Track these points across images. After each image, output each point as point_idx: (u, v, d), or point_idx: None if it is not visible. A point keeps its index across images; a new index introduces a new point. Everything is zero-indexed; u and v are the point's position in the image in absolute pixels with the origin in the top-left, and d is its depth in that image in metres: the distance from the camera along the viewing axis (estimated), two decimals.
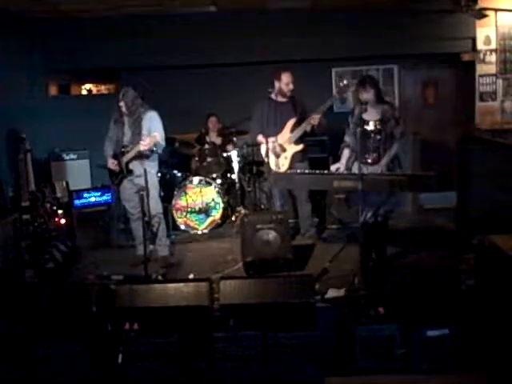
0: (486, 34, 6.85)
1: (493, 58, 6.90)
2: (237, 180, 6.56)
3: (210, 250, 5.69)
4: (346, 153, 4.67)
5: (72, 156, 6.52)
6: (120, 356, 3.20)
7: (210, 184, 6.25)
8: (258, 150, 5.50)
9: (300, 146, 5.30)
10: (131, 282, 3.78)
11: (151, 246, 5.02)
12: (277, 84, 5.28)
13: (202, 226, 6.23)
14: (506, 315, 3.23)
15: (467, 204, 5.42)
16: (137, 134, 4.90)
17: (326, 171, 4.61)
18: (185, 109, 7.02)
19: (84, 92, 8.74)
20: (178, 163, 6.73)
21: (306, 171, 4.78)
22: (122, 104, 4.90)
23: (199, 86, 7.25)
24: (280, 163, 5.27)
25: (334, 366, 3.23)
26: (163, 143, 4.98)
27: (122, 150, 4.97)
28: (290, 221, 5.19)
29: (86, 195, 5.90)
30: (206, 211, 6.23)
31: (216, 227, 6.27)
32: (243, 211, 6.30)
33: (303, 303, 3.39)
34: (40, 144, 6.18)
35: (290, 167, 5.22)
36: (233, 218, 6.41)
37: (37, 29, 6.75)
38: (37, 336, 3.31)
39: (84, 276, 4.82)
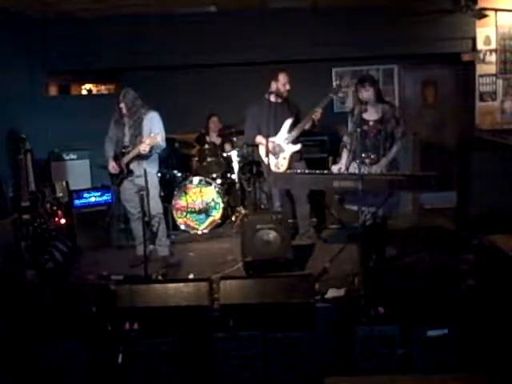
0: (486, 34, 6.84)
1: (493, 58, 6.90)
2: (237, 180, 6.56)
3: (210, 250, 5.69)
4: (344, 153, 4.67)
5: (72, 156, 6.51)
6: (120, 356, 3.19)
7: (210, 184, 6.25)
8: (257, 150, 5.50)
9: (298, 146, 5.33)
10: (131, 282, 3.78)
11: (151, 246, 5.01)
12: (274, 85, 5.29)
13: (202, 226, 6.23)
14: (506, 315, 3.23)
15: (467, 204, 5.43)
16: (137, 135, 4.91)
17: (325, 171, 4.61)
18: (185, 109, 7.02)
19: (84, 92, 8.73)
20: (178, 163, 6.73)
21: (306, 171, 4.78)
22: (122, 105, 4.90)
23: (199, 85, 7.25)
24: (279, 163, 5.30)
25: (334, 366, 3.23)
26: (163, 144, 4.98)
27: (123, 150, 4.98)
28: (289, 221, 5.19)
29: (86, 195, 5.90)
30: (206, 211, 6.23)
31: (216, 227, 6.27)
32: (243, 211, 6.30)
33: (303, 303, 3.39)
34: (40, 144, 6.17)
35: (289, 167, 5.24)
36: (233, 218, 6.42)
37: (37, 29, 6.74)
38: (37, 336, 3.31)
39: (84, 276, 4.82)
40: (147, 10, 6.61)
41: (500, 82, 6.99)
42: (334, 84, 5.26)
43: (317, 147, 6.68)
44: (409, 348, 3.18)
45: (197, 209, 6.22)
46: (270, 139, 5.21)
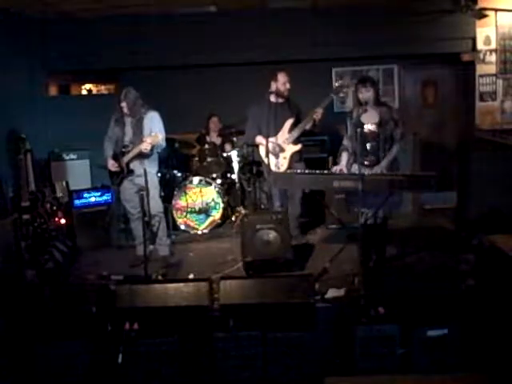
0: (486, 34, 6.84)
1: (493, 58, 6.89)
2: (237, 180, 6.56)
3: (210, 249, 5.69)
4: (344, 156, 4.66)
5: (72, 156, 6.51)
6: (120, 356, 3.19)
7: (209, 184, 6.25)
8: (257, 150, 5.50)
9: (298, 146, 5.32)
10: (131, 282, 3.78)
11: (151, 246, 5.00)
12: (273, 85, 5.29)
13: (202, 226, 6.23)
14: (506, 315, 3.23)
15: (467, 204, 5.43)
16: (138, 135, 4.92)
17: (325, 171, 4.61)
18: (185, 109, 7.02)
19: (84, 92, 8.73)
20: (178, 163, 6.73)
21: (306, 171, 4.78)
22: (123, 104, 4.91)
23: (199, 85, 7.24)
24: (279, 163, 5.30)
25: (334, 366, 3.23)
26: (164, 143, 4.99)
27: (123, 150, 4.98)
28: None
29: (86, 195, 5.90)
30: (206, 211, 6.23)
31: (216, 227, 6.27)
32: (243, 211, 6.30)
33: (303, 303, 3.39)
34: (40, 144, 6.17)
35: (289, 167, 5.23)
36: (233, 218, 6.42)
37: (37, 29, 6.74)
38: (37, 336, 3.31)
39: (84, 276, 4.82)
40: (147, 10, 6.61)
41: (500, 81, 6.98)
42: (336, 84, 5.25)
43: (317, 147, 6.68)
44: (409, 348, 3.19)
45: (197, 209, 6.22)
46: (271, 139, 5.21)
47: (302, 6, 6.71)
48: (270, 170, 5.32)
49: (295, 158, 5.34)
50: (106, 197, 5.97)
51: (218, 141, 6.83)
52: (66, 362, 3.20)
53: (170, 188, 6.34)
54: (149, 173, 4.62)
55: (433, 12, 6.75)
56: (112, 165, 5.02)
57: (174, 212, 6.18)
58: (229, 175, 6.61)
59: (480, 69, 6.98)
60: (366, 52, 6.97)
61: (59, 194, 6.05)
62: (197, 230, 6.22)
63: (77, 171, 6.48)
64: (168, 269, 4.95)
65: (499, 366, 3.00)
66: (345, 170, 4.60)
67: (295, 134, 5.26)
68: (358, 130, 4.27)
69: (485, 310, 3.43)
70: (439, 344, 3.17)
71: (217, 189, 6.25)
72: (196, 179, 6.27)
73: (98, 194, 5.95)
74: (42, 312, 3.49)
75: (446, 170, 5.36)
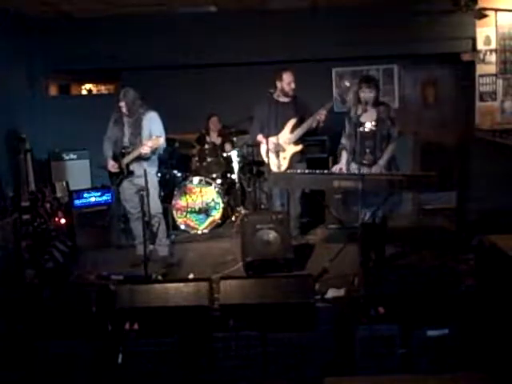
0: (486, 34, 6.84)
1: (493, 58, 6.89)
2: (237, 180, 6.56)
3: (210, 249, 5.69)
4: (344, 154, 4.67)
5: (72, 156, 6.52)
6: (120, 356, 3.20)
7: (209, 184, 6.25)
8: (258, 149, 5.50)
9: (299, 147, 5.31)
10: (131, 282, 3.79)
11: (151, 246, 5.01)
12: (278, 84, 5.28)
13: (202, 226, 6.23)
14: (506, 315, 3.23)
15: (467, 204, 5.43)
16: (137, 135, 4.91)
17: (325, 171, 4.61)
18: (185, 109, 7.02)
19: (84, 92, 8.75)
20: (177, 163, 6.72)
21: (306, 171, 4.78)
22: (122, 104, 4.90)
23: (199, 85, 7.23)
24: (280, 163, 5.28)
25: (334, 367, 3.23)
26: (164, 144, 4.98)
27: (123, 150, 4.97)
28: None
29: (86, 195, 5.90)
30: (206, 211, 6.23)
31: (216, 227, 6.27)
32: (243, 211, 6.30)
33: (303, 303, 3.39)
34: (40, 144, 6.18)
35: (289, 167, 5.22)
36: (233, 218, 6.42)
37: (37, 29, 6.73)
38: (37, 336, 3.31)
39: (84, 276, 4.82)
40: (147, 10, 6.61)
41: (500, 82, 6.98)
42: (343, 85, 5.23)
43: (317, 147, 6.66)
44: (409, 348, 3.18)
45: (197, 209, 6.22)
46: (272, 138, 5.20)
47: (301, 6, 6.71)
48: (270, 169, 5.31)
49: (296, 158, 5.32)
50: (106, 197, 5.97)
51: (217, 141, 6.83)
52: (66, 362, 3.19)
53: (170, 188, 6.34)
54: (148, 173, 4.62)
55: (433, 12, 6.75)
56: (112, 166, 5.02)
57: (174, 212, 6.18)
58: (229, 175, 6.61)
59: (480, 69, 6.98)
60: (366, 52, 6.97)
61: (59, 194, 6.05)
62: (197, 230, 6.22)
63: (77, 171, 6.49)
64: (168, 269, 4.95)
65: (499, 366, 3.00)
66: (345, 169, 4.61)
67: (297, 134, 5.25)
68: (358, 129, 4.28)
69: (485, 310, 3.43)
70: (439, 344, 3.17)
71: (217, 189, 6.25)
72: (196, 179, 6.26)
73: (98, 194, 5.95)
74: (42, 312, 3.48)
75: (446, 170, 5.35)
